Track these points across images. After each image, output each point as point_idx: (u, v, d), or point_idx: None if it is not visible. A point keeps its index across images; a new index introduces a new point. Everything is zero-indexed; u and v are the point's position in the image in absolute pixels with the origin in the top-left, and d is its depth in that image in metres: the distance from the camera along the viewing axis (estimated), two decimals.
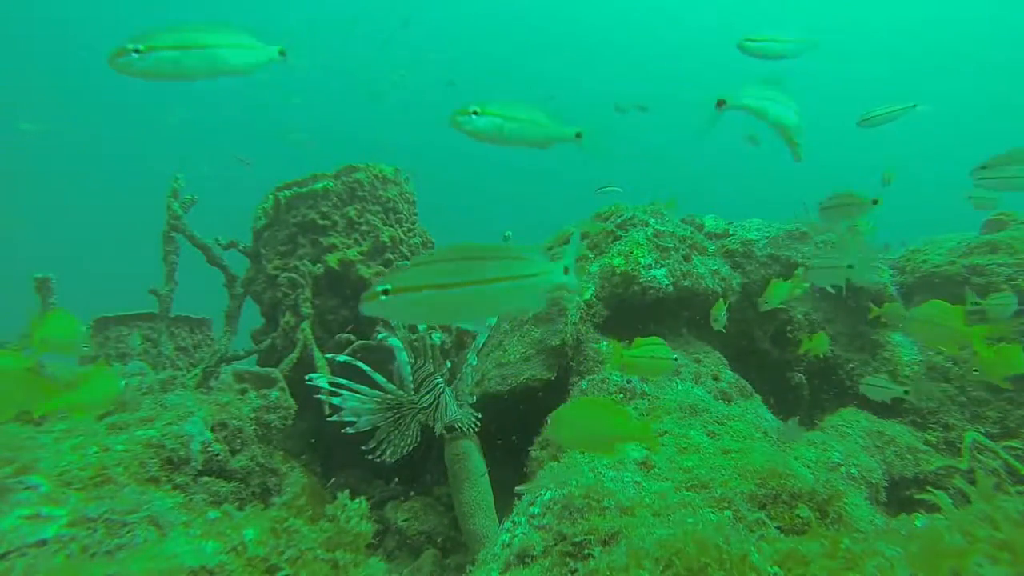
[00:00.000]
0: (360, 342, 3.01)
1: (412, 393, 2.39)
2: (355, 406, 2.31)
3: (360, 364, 2.34)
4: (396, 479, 3.03)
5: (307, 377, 2.44)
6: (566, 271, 1.24)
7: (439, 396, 2.39)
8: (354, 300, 3.42)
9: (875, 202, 2.57)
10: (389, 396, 2.35)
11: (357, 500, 1.46)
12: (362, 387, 2.33)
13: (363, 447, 2.38)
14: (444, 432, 2.41)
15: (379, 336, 2.61)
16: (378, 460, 2.37)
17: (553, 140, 1.75)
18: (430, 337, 2.57)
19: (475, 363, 2.55)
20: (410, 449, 2.40)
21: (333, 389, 2.31)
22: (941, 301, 2.19)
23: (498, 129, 1.65)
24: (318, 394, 2.37)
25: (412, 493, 2.92)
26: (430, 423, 2.39)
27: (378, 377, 2.32)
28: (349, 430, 2.33)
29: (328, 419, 2.34)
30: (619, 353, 2.01)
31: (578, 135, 1.75)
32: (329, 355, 2.52)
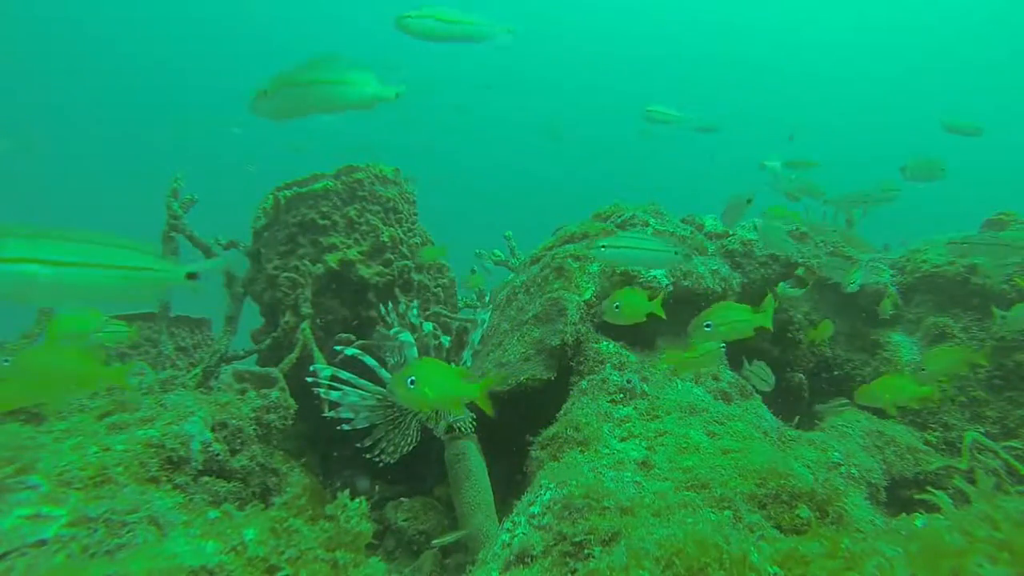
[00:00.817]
0: (362, 342, 3.01)
1: None
2: (355, 401, 2.29)
3: (368, 359, 2.31)
4: (373, 484, 3.00)
5: (311, 367, 2.42)
6: (191, 276, 1.23)
7: None
8: (354, 300, 3.42)
9: (749, 201, 2.65)
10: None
11: (357, 500, 1.46)
12: (365, 382, 2.31)
13: (358, 444, 2.37)
14: (444, 432, 2.41)
15: (392, 331, 2.59)
16: (377, 461, 2.36)
17: (368, 101, 1.61)
18: (435, 338, 2.56)
19: (470, 364, 2.55)
20: (410, 449, 2.39)
21: (334, 384, 2.29)
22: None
23: (300, 99, 1.51)
24: (316, 388, 2.36)
25: (403, 498, 2.91)
26: (430, 423, 2.39)
27: (384, 373, 2.30)
28: (345, 427, 2.32)
29: (324, 416, 2.32)
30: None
31: (397, 95, 1.64)
32: (338, 347, 2.49)
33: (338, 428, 2.33)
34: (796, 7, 33.79)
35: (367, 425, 2.36)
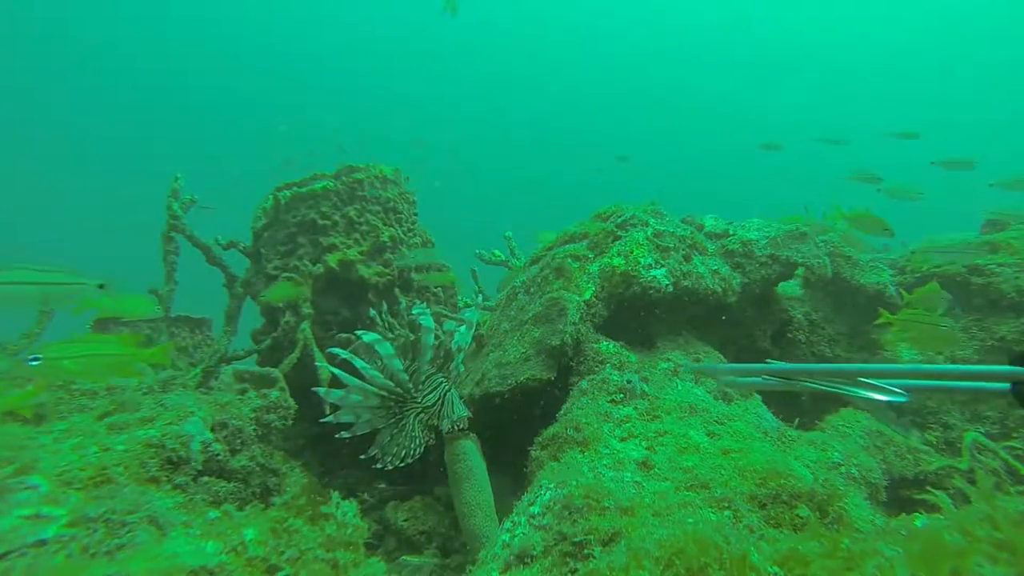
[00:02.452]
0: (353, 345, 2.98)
1: (418, 388, 2.34)
2: (358, 401, 2.23)
3: (388, 347, 2.22)
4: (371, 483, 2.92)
5: (330, 349, 2.33)
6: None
7: (445, 395, 2.36)
8: (354, 300, 3.42)
9: None
10: (398, 389, 2.29)
11: (350, 499, 1.46)
12: (376, 373, 2.23)
13: (362, 456, 2.31)
14: (445, 432, 2.39)
15: (415, 310, 2.50)
16: (387, 468, 2.30)
17: None
18: (452, 339, 2.47)
19: (463, 370, 2.52)
20: (420, 451, 2.35)
21: (342, 374, 2.19)
22: None
23: None
24: (316, 388, 2.30)
25: (403, 498, 2.88)
26: (433, 422, 2.37)
27: (397, 363, 2.23)
28: (345, 434, 2.25)
29: (323, 421, 2.26)
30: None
31: None
32: (360, 332, 2.39)
33: (336, 436, 2.26)
34: (799, 7, 33.82)
35: (368, 431, 2.30)
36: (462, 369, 2.52)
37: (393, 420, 2.35)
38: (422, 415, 2.37)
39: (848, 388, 0.88)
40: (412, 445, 2.34)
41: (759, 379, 1.31)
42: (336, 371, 2.20)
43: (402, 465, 2.33)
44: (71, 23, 28.94)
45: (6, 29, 27.62)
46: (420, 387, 2.37)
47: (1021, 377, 0.52)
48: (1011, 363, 0.57)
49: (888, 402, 0.83)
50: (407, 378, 2.30)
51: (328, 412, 2.32)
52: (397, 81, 37.08)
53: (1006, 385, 0.60)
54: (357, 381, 2.22)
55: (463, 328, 2.53)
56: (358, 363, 2.21)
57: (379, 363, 2.29)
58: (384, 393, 2.29)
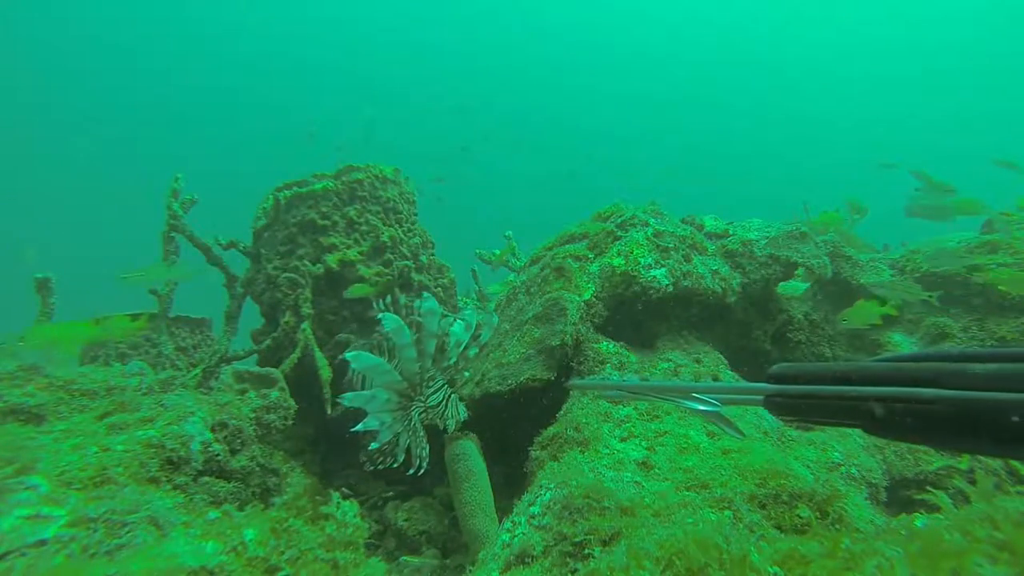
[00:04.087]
0: (363, 342, 2.99)
1: (429, 385, 2.33)
2: (384, 401, 2.17)
3: (407, 335, 2.16)
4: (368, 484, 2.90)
5: (375, 316, 2.22)
6: None
7: (449, 396, 2.36)
8: (354, 300, 3.42)
9: None
10: (417, 378, 2.25)
11: (349, 500, 1.46)
12: (409, 353, 2.16)
13: (409, 471, 2.29)
14: (450, 432, 2.38)
15: (467, 305, 2.47)
16: (419, 473, 2.29)
17: None
18: (460, 345, 2.44)
19: (468, 375, 2.51)
20: (427, 452, 2.35)
21: (378, 361, 2.11)
22: None
23: None
24: (340, 398, 2.22)
25: (403, 498, 2.87)
26: (435, 422, 2.36)
27: (411, 353, 2.16)
28: (374, 444, 2.21)
29: (354, 431, 2.20)
30: None
31: None
32: (382, 315, 2.29)
33: (369, 449, 2.23)
34: (803, 7, 33.82)
35: (390, 437, 2.27)
36: (467, 375, 2.52)
37: (407, 423, 2.34)
38: (423, 415, 2.37)
39: (683, 401, 1.02)
40: (424, 444, 2.35)
41: (614, 392, 1.43)
42: (373, 359, 2.12)
43: (426, 468, 2.33)
44: (71, 23, 28.94)
45: (4, 28, 27.63)
46: (427, 386, 2.36)
47: (769, 391, 0.76)
48: (766, 381, 0.80)
49: (706, 411, 1.01)
50: (417, 369, 2.25)
51: (330, 412, 2.31)
52: (395, 80, 37.12)
53: (761, 397, 0.80)
54: (389, 372, 2.14)
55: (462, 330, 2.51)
56: (404, 337, 2.13)
57: (395, 360, 2.26)
58: (404, 386, 2.24)
